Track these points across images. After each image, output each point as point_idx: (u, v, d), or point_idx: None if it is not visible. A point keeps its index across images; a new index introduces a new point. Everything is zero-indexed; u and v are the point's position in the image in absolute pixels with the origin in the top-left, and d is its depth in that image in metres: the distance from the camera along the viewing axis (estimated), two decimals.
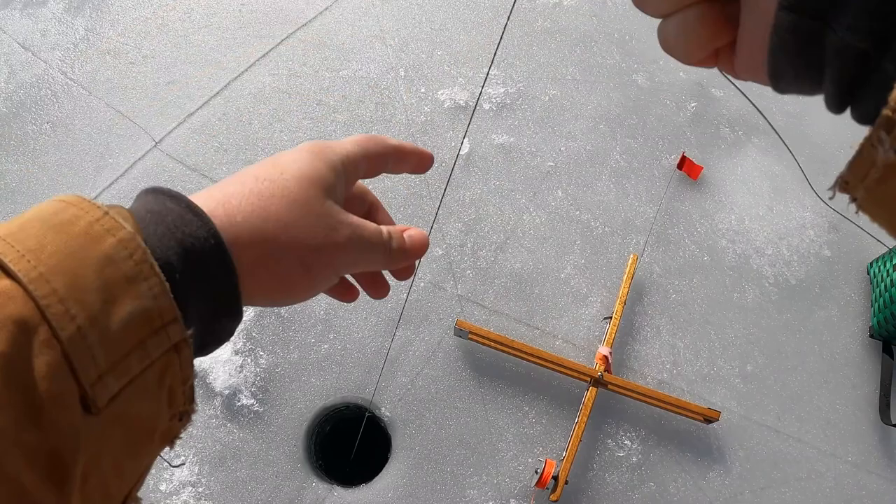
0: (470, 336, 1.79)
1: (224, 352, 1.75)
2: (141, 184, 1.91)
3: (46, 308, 0.27)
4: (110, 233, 0.31)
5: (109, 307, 0.29)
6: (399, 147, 0.51)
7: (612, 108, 2.38)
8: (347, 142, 0.47)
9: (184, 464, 1.61)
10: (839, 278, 2.30)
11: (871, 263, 2.34)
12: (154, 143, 2.00)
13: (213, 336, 0.38)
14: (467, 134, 2.13)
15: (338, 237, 0.41)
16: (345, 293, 0.52)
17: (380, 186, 2.02)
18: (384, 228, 0.46)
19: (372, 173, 0.50)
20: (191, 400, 0.36)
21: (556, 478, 1.69)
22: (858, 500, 1.99)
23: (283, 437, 1.71)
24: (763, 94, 2.66)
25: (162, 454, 0.36)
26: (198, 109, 2.08)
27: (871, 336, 2.24)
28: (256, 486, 1.66)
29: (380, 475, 1.74)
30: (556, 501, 1.69)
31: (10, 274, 0.28)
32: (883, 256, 2.27)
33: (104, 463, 0.30)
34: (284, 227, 0.38)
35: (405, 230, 0.49)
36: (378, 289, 0.54)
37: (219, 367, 1.75)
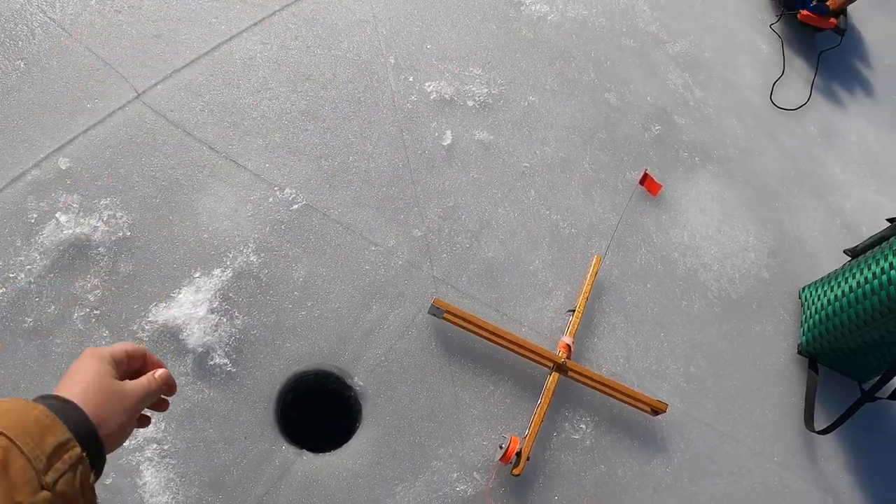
0: (445, 316, 2.02)
1: (200, 309, 1.84)
2: (120, 132, 2.01)
3: (15, 438, 0.62)
4: (36, 410, 0.67)
5: (43, 440, 0.64)
6: (150, 357, 0.91)
7: (584, 121, 2.73)
8: (116, 345, 0.85)
9: None
10: (774, 299, 2.71)
11: (803, 289, 2.78)
12: (137, 94, 2.11)
13: (97, 463, 0.73)
14: (450, 126, 2.42)
15: (129, 400, 0.80)
16: (142, 420, 0.91)
17: (365, 167, 2.25)
18: (145, 378, 0.85)
19: (135, 365, 0.88)
20: (94, 494, 0.71)
21: (519, 454, 1.90)
22: (781, 497, 2.33)
23: (254, 399, 1.81)
24: (719, 126, 3.12)
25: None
26: (185, 67, 2.21)
27: (799, 353, 2.65)
28: (224, 447, 1.73)
29: (349, 442, 1.88)
30: (518, 476, 1.91)
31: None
32: (815, 283, 2.70)
33: None
34: (105, 408, 0.76)
35: (155, 372, 0.88)
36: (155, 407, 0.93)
37: (193, 324, 1.82)
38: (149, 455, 1.67)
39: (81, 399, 0.74)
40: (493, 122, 2.53)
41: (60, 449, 0.66)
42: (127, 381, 0.82)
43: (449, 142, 2.41)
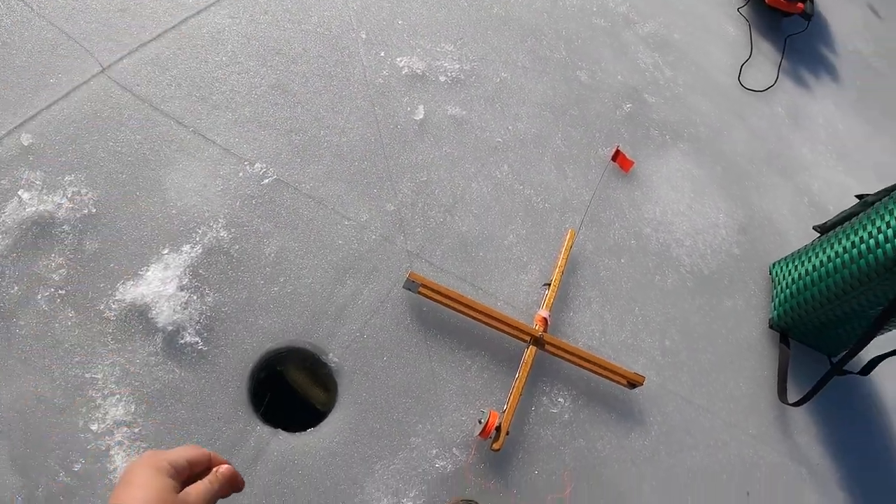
0: (420, 290, 2.03)
1: (169, 287, 1.82)
2: (85, 107, 1.98)
3: None
4: None
5: None
6: (213, 459, 0.87)
7: (556, 98, 2.77)
8: (175, 450, 0.82)
9: None
10: (745, 274, 2.78)
11: (773, 264, 2.85)
12: (102, 68, 2.08)
13: None
14: (422, 101, 2.43)
15: None
16: None
17: (336, 141, 2.24)
18: (207, 480, 0.82)
19: (198, 469, 0.84)
20: None
21: (498, 428, 1.92)
22: (757, 469, 2.39)
23: (226, 378, 1.79)
24: (689, 105, 3.18)
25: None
26: (151, 41, 2.18)
27: (771, 327, 2.72)
28: (197, 428, 1.70)
29: (325, 421, 1.87)
30: (497, 450, 1.92)
31: None
32: (785, 259, 2.77)
33: None
34: None
35: (217, 469, 0.85)
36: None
37: (162, 302, 1.79)
38: (119, 439, 1.64)
39: None
40: (466, 97, 2.56)
41: None
42: (191, 489, 0.80)
43: (421, 117, 2.42)
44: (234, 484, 0.88)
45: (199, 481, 0.82)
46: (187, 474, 0.82)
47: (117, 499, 0.74)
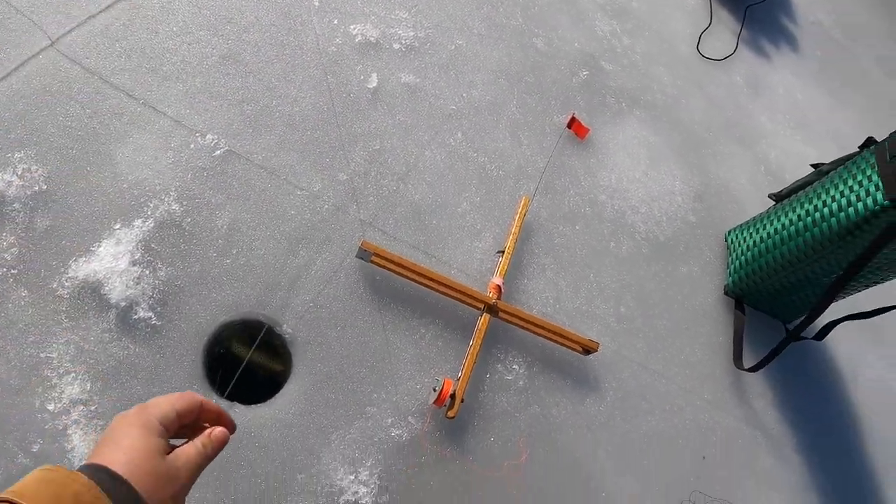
0: (373, 259, 2.02)
1: (121, 262, 1.79)
2: (33, 82, 1.94)
3: None
4: (76, 483, 0.62)
5: None
6: (204, 406, 0.84)
7: (511, 66, 2.76)
8: (164, 402, 0.78)
9: None
10: (700, 242, 2.81)
11: (729, 232, 2.89)
12: (50, 41, 2.03)
13: None
14: (376, 69, 2.42)
15: (181, 480, 0.74)
16: None
17: (289, 111, 2.21)
18: (199, 443, 0.79)
19: (187, 420, 0.81)
20: None
21: (453, 396, 1.93)
22: (713, 433, 2.43)
23: (181, 352, 1.78)
24: (647, 73, 3.20)
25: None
26: (101, 12, 2.13)
27: (726, 293, 2.76)
28: None
29: (280, 392, 1.87)
30: (452, 418, 1.94)
31: None
32: (740, 226, 2.81)
33: None
34: (156, 492, 0.69)
35: (211, 432, 0.82)
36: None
37: (115, 277, 1.77)
38: (75, 418, 1.62)
39: (130, 479, 0.68)
40: (420, 65, 2.54)
41: None
42: (180, 453, 0.76)
43: (374, 85, 2.40)
44: (225, 442, 0.85)
45: (191, 443, 0.78)
46: (177, 427, 0.79)
47: (101, 458, 0.69)
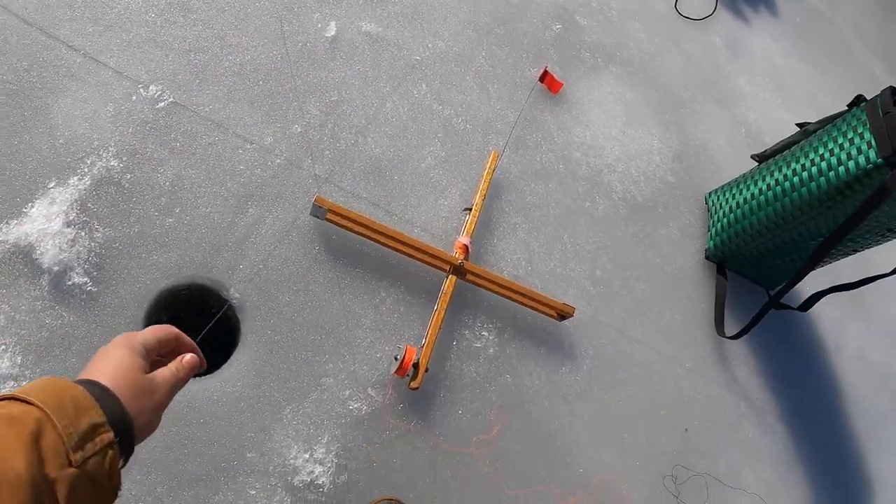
0: (328, 216, 1.86)
1: (55, 223, 1.65)
2: None
3: (51, 413, 0.64)
4: (75, 390, 0.69)
5: (78, 419, 0.66)
6: (180, 338, 0.94)
7: (480, 17, 2.59)
8: (147, 330, 0.88)
9: None
10: (680, 203, 2.68)
11: (709, 194, 2.76)
12: None
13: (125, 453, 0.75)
14: (335, 17, 2.24)
15: (159, 394, 0.82)
16: None
17: (240, 60, 2.04)
18: (173, 366, 0.87)
19: (166, 349, 0.91)
20: (120, 479, 0.71)
21: (416, 365, 1.80)
22: (695, 403, 2.32)
23: (119, 320, 1.64)
24: (623, 29, 3.05)
25: None
26: None
27: (707, 258, 2.63)
28: None
29: (227, 363, 1.73)
30: (416, 389, 1.80)
31: (32, 404, 0.65)
32: (722, 188, 2.68)
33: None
34: (138, 403, 0.78)
35: (182, 358, 0.90)
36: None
37: (47, 240, 1.63)
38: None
39: (114, 389, 0.76)
40: (382, 13, 2.36)
41: (94, 431, 0.68)
42: (157, 373, 0.84)
43: (333, 33, 2.22)
44: (196, 368, 0.93)
45: (167, 367, 0.87)
46: (156, 353, 0.88)
47: (89, 373, 0.78)
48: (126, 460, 0.75)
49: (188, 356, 0.92)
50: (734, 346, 2.52)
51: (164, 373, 0.85)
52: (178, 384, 0.87)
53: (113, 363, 0.80)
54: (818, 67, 4.01)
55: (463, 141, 2.28)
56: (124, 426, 0.74)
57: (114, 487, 0.70)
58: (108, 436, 0.69)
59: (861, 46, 4.54)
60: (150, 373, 0.83)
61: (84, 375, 0.78)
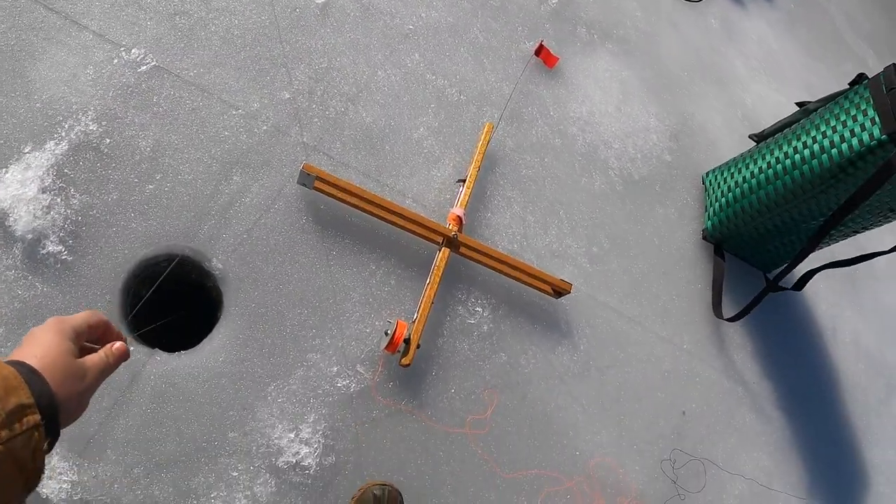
0: (316, 185, 1.78)
1: (29, 189, 1.58)
2: None
3: None
4: (6, 369, 0.69)
5: (6, 398, 0.65)
6: (109, 326, 0.94)
7: None
8: (77, 315, 0.87)
9: None
10: (677, 182, 2.63)
11: (706, 174, 2.71)
12: None
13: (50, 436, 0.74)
14: None
15: (88, 379, 0.82)
16: None
17: (226, 24, 1.97)
18: (102, 353, 0.87)
19: (96, 334, 0.91)
20: (43, 463, 0.71)
21: (407, 341, 1.73)
22: (692, 386, 2.27)
23: (95, 291, 1.57)
24: (619, 7, 3.00)
25: None
26: None
27: (705, 238, 2.58)
28: None
29: (208, 337, 1.66)
30: (407, 366, 1.74)
31: None
32: (719, 168, 2.63)
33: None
34: (66, 387, 0.78)
35: (112, 345, 0.90)
36: None
37: (21, 206, 1.56)
38: None
39: (43, 372, 0.75)
40: None
41: (21, 412, 0.68)
42: (87, 359, 0.84)
43: (323, 0, 2.16)
44: (124, 360, 0.93)
45: (97, 353, 0.87)
46: (86, 338, 0.88)
47: (19, 354, 0.77)
48: (52, 445, 0.75)
49: (118, 344, 0.92)
50: (732, 329, 2.47)
51: (94, 358, 0.86)
52: (107, 370, 0.88)
53: (43, 346, 0.80)
54: (811, 54, 4.01)
55: (457, 112, 2.22)
56: (51, 410, 0.74)
57: (37, 470, 0.71)
58: (35, 418, 0.69)
59: (853, 35, 4.55)
60: (79, 358, 0.83)
61: (14, 357, 0.77)
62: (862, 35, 4.63)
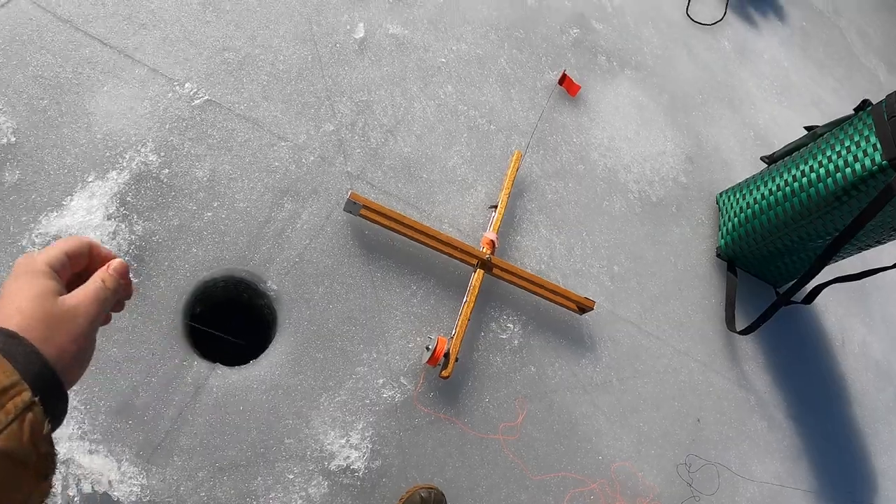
0: (362, 211, 1.96)
1: (95, 216, 1.72)
2: (3, 31, 1.83)
3: None
4: None
5: None
6: (95, 248, 0.75)
7: (501, 20, 2.72)
8: (51, 247, 0.71)
9: None
10: (692, 203, 2.81)
11: (720, 194, 2.88)
12: None
13: (54, 412, 0.62)
14: (363, 19, 2.36)
15: (83, 318, 0.67)
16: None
17: (272, 59, 2.14)
18: (96, 277, 0.71)
19: (79, 265, 0.74)
20: (51, 444, 0.59)
21: (447, 355, 1.89)
22: (707, 395, 2.43)
23: (160, 311, 1.70)
24: (637, 34, 3.18)
25: None
26: None
27: (718, 256, 2.75)
28: (130, 367, 1.63)
29: (265, 353, 1.81)
30: (447, 378, 1.90)
31: None
32: (732, 188, 2.80)
33: None
34: (57, 339, 0.64)
35: (109, 265, 0.74)
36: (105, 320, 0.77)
37: (88, 232, 1.70)
38: None
39: (23, 331, 0.61)
40: (408, 17, 2.48)
41: (3, 395, 0.54)
42: (74, 294, 0.68)
43: (361, 35, 2.34)
44: (128, 283, 0.77)
45: (89, 280, 0.71)
46: (69, 272, 0.72)
47: None
48: (61, 413, 0.63)
49: (114, 262, 0.75)
50: (743, 342, 2.64)
51: (87, 288, 0.69)
52: (107, 298, 0.71)
53: (16, 299, 0.64)
54: (823, 70, 4.14)
55: (487, 141, 2.40)
56: (45, 377, 0.60)
57: (43, 456, 0.58)
58: (25, 396, 0.56)
59: (865, 50, 4.67)
60: (65, 294, 0.68)
61: None
62: (874, 49, 4.75)
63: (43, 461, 0.57)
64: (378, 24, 2.40)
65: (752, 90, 3.52)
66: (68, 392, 0.64)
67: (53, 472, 0.60)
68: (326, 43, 2.27)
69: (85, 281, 0.71)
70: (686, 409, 2.38)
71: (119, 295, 0.74)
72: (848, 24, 4.73)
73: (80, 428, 1.56)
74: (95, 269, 0.74)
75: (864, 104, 2.32)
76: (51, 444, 0.58)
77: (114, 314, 0.78)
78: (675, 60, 3.23)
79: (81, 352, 0.66)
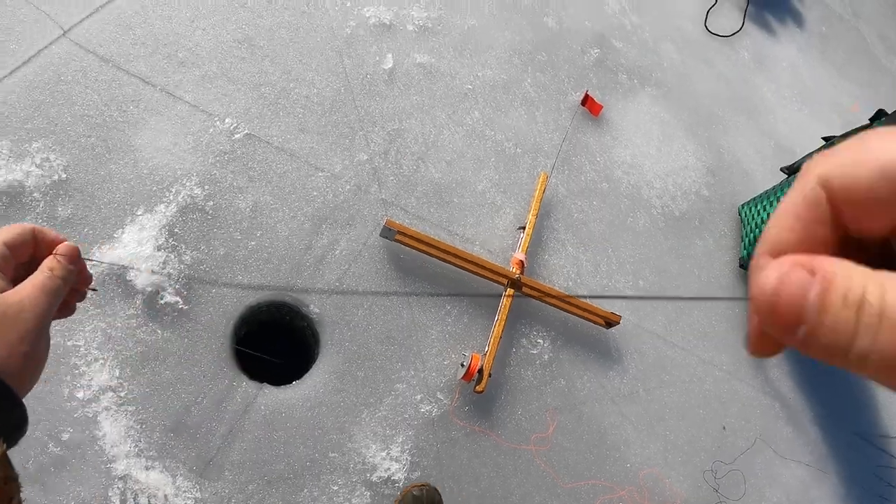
0: (397, 237, 2.08)
1: (145, 248, 1.83)
2: (48, 72, 1.97)
3: None
4: None
5: None
6: (39, 233, 0.66)
7: (524, 44, 2.83)
8: None
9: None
10: (715, 215, 2.90)
11: (742, 206, 2.97)
12: (62, 31, 2.06)
13: (8, 424, 0.57)
14: (391, 50, 2.49)
15: (29, 314, 0.59)
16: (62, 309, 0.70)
17: (306, 93, 2.27)
18: (44, 266, 0.63)
19: (23, 255, 0.65)
20: (8, 466, 0.53)
21: (480, 371, 2.00)
22: (732, 403, 2.52)
23: (209, 335, 1.82)
24: (656, 51, 3.27)
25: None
26: (111, 1, 2.18)
27: (741, 266, 2.84)
28: (183, 388, 1.75)
29: (309, 372, 1.93)
30: (481, 392, 2.00)
31: None
32: (753, 200, 2.89)
33: None
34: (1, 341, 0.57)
35: (56, 252, 0.65)
36: (66, 311, 0.71)
37: (140, 263, 1.81)
38: (105, 404, 1.67)
39: None
40: (434, 45, 2.61)
41: None
42: (19, 289, 0.60)
43: (390, 66, 2.46)
44: (82, 268, 0.68)
45: (35, 273, 0.63)
46: (13, 265, 0.63)
47: None
48: (19, 428, 0.57)
49: (62, 246, 0.66)
50: None
51: (33, 280, 0.61)
52: (57, 288, 0.62)
53: None
54: (843, 74, 4.19)
55: (514, 164, 2.51)
56: None
57: (2, 480, 0.53)
58: None
59: (885, 52, 4.70)
60: (8, 290, 0.60)
61: None
62: (894, 51, 4.78)
63: (4, 490, 0.52)
64: (406, 53, 2.53)
65: (772, 99, 3.60)
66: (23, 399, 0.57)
67: (17, 497, 0.54)
68: (357, 74, 2.40)
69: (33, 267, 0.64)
70: (712, 416, 2.47)
71: (72, 283, 0.66)
72: (868, 27, 4.76)
73: (136, 446, 1.66)
74: (45, 257, 0.65)
75: (879, 114, 2.39)
76: (7, 466, 0.53)
77: (78, 305, 0.72)
78: (694, 74, 3.32)
79: (33, 351, 0.59)
